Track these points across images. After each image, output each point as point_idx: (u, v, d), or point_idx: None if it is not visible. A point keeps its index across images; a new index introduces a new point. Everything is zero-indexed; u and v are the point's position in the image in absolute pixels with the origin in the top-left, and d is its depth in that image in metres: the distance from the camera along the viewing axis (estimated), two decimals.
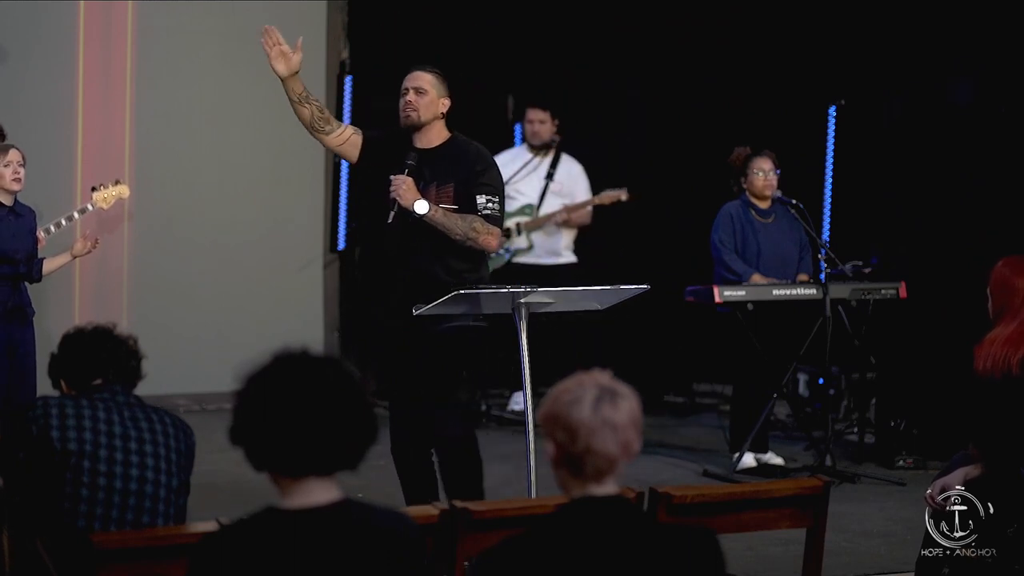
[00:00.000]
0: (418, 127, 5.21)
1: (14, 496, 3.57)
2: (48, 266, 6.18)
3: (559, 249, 8.50)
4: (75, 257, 6.30)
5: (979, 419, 4.39)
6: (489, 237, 5.13)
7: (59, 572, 3.44)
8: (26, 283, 6.03)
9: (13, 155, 5.96)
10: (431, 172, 5.16)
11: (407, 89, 5.23)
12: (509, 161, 8.55)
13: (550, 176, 8.48)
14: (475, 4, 9.42)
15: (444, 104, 5.25)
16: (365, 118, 9.24)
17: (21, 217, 6.03)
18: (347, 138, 5.24)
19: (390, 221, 5.12)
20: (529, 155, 8.50)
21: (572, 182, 8.50)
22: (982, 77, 8.11)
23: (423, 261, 5.14)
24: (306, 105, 5.17)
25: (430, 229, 5.07)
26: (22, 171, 5.98)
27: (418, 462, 5.36)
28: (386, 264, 5.23)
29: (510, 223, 8.46)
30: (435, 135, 5.25)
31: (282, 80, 5.14)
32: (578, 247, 8.60)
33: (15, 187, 5.97)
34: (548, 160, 8.51)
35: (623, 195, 8.31)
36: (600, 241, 8.88)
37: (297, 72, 5.13)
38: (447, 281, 5.08)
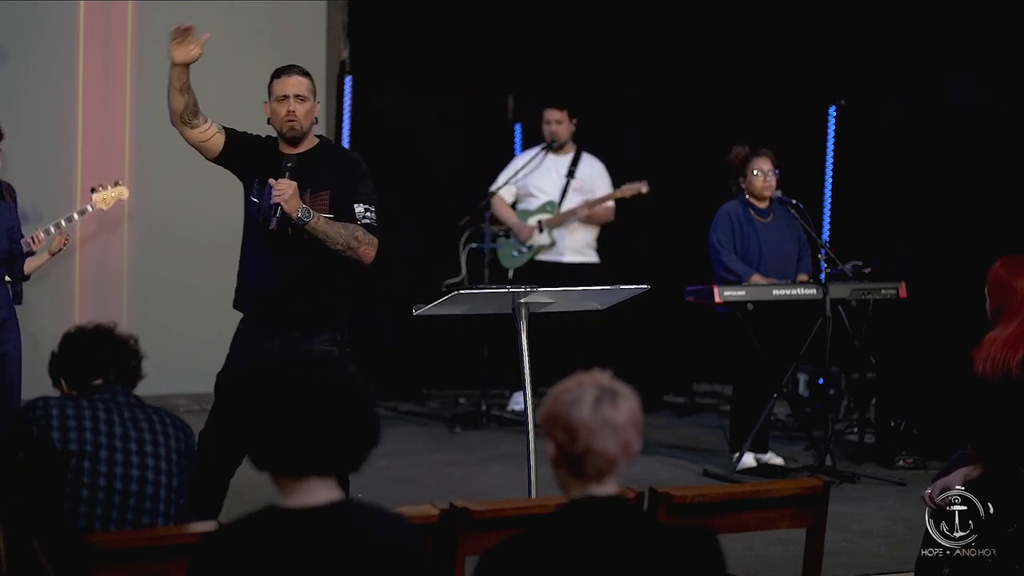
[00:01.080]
0: (301, 138, 4.96)
1: (14, 496, 3.57)
2: (29, 265, 6.14)
3: (581, 247, 8.49)
4: (52, 255, 6.26)
5: (978, 421, 4.39)
6: (369, 248, 4.94)
7: (57, 573, 3.44)
8: (7, 285, 5.93)
9: None
10: (305, 178, 4.89)
11: (287, 96, 4.92)
12: (529, 161, 8.54)
13: (571, 174, 8.48)
14: (475, 4, 9.42)
15: (317, 109, 5.03)
16: (365, 118, 9.28)
17: None
18: (211, 136, 4.93)
19: (272, 227, 4.86)
20: (537, 150, 8.50)
21: (593, 180, 8.49)
22: (982, 77, 8.11)
23: (302, 273, 4.90)
24: (185, 95, 4.84)
25: (307, 238, 4.83)
26: None
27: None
28: (261, 277, 4.96)
29: (532, 221, 8.47)
30: (306, 140, 5.00)
31: (173, 65, 4.80)
32: (600, 246, 8.57)
33: None
34: (568, 158, 8.51)
35: (643, 187, 8.32)
36: (623, 239, 8.86)
37: (190, 64, 4.82)
38: (318, 294, 4.92)
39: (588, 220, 8.42)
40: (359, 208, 4.95)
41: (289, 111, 4.91)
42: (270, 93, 4.98)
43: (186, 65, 4.81)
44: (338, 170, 4.96)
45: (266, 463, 2.59)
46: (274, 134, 5.02)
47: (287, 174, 4.83)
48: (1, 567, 3.66)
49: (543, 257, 8.47)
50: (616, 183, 8.48)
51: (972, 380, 4.37)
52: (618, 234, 8.75)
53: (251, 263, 5.02)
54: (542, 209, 8.49)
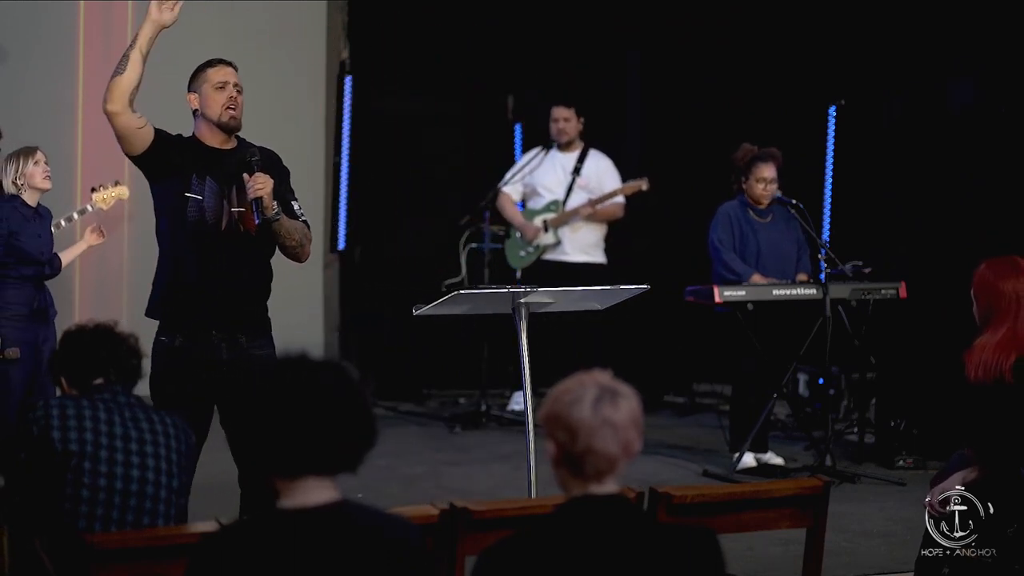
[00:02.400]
0: (238, 130, 4.72)
1: (14, 496, 3.57)
2: (66, 259, 6.27)
3: (587, 247, 8.48)
4: (90, 246, 6.38)
5: (974, 427, 4.38)
6: (309, 245, 4.80)
7: (58, 573, 3.44)
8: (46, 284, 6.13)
9: (40, 155, 6.04)
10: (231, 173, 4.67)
11: (227, 84, 4.68)
12: (536, 159, 8.53)
13: (576, 171, 8.47)
14: (475, 4, 9.42)
15: None
16: (365, 118, 9.29)
17: (44, 218, 6.11)
18: (144, 124, 4.58)
19: (258, 222, 4.59)
20: (554, 152, 8.49)
21: (600, 176, 8.46)
22: (982, 77, 8.11)
23: (254, 274, 4.72)
24: (143, 68, 4.51)
25: (261, 238, 4.67)
26: (49, 170, 6.07)
27: None
28: (209, 280, 4.64)
29: (537, 220, 8.47)
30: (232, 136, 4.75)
31: (152, 26, 4.50)
32: (607, 246, 8.56)
33: (46, 185, 6.06)
34: (574, 155, 8.51)
35: (644, 184, 8.30)
36: (627, 240, 8.85)
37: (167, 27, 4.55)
38: (264, 296, 4.78)
39: (593, 217, 8.41)
40: (295, 204, 4.77)
41: (231, 98, 4.68)
42: (201, 82, 4.70)
43: (160, 30, 4.51)
44: (272, 166, 4.73)
45: (262, 463, 2.59)
46: (186, 133, 4.78)
47: (256, 168, 4.59)
48: (3, 567, 3.66)
49: (549, 256, 8.46)
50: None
51: (965, 386, 4.36)
52: (622, 235, 8.75)
53: (192, 266, 4.64)
54: (547, 208, 8.49)
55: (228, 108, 4.68)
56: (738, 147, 7.32)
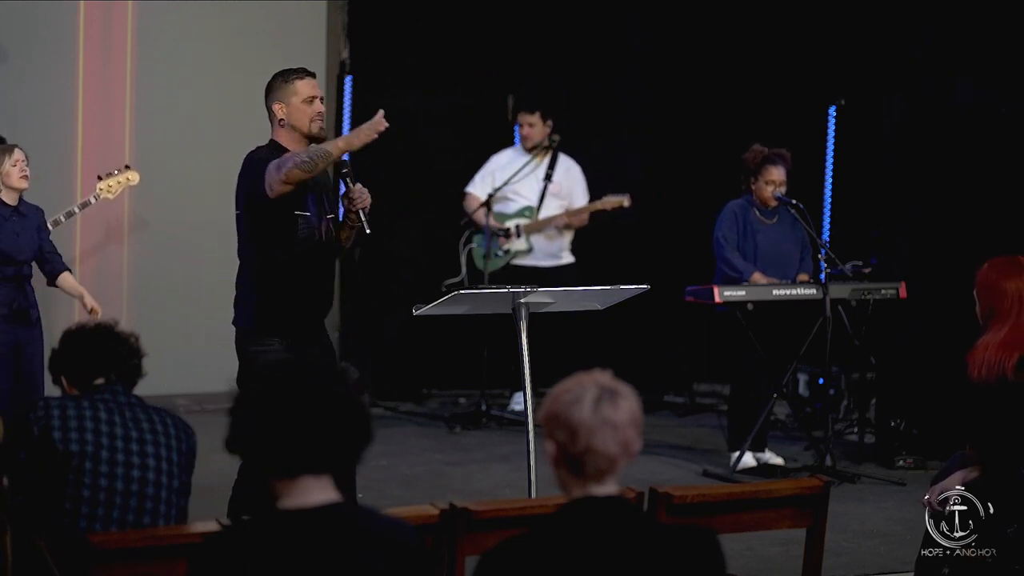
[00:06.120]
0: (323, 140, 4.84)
1: (16, 496, 3.57)
2: (66, 282, 6.19)
3: (557, 251, 8.52)
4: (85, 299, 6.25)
5: (976, 426, 4.39)
6: None
7: (61, 573, 3.44)
8: (31, 284, 6.06)
9: (19, 154, 6.02)
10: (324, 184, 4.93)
11: (315, 97, 4.84)
12: (507, 163, 8.55)
13: (548, 177, 8.50)
14: (475, 4, 9.42)
15: None
16: (365, 118, 9.25)
17: (26, 217, 6.05)
18: None
19: (368, 232, 4.82)
20: (526, 157, 8.50)
21: (570, 182, 8.52)
22: (982, 77, 8.11)
23: (334, 275, 5.09)
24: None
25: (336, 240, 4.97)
26: (28, 170, 6.04)
27: None
28: (313, 290, 4.94)
29: (509, 224, 8.47)
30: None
31: (346, 146, 4.76)
32: (576, 246, 8.61)
33: (23, 184, 6.01)
34: (546, 161, 8.52)
35: (625, 201, 8.33)
36: (598, 241, 8.89)
37: None
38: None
39: (567, 227, 8.47)
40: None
41: (320, 112, 4.84)
42: (289, 94, 4.82)
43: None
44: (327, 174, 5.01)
45: (259, 464, 2.59)
46: (263, 141, 4.89)
47: (352, 179, 4.84)
48: (7, 568, 3.66)
49: (519, 262, 8.48)
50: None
51: (968, 386, 4.36)
52: (595, 237, 8.76)
53: (300, 279, 4.85)
54: (520, 213, 8.50)
55: (317, 121, 4.83)
56: (744, 147, 7.32)
